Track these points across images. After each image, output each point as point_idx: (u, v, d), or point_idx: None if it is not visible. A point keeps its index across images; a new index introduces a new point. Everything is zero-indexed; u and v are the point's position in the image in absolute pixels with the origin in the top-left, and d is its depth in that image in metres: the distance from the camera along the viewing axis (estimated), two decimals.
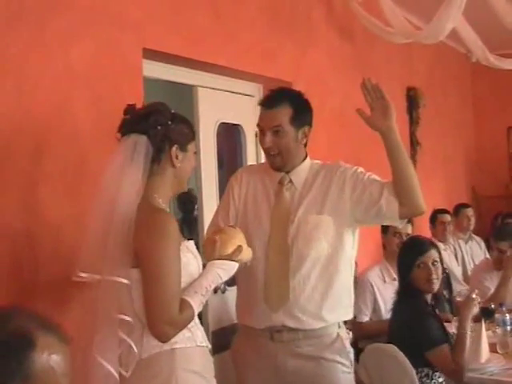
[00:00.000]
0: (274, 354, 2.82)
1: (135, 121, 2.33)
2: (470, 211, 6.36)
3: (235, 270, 2.42)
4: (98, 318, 2.23)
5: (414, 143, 6.43)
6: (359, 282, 4.62)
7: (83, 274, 2.25)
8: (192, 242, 2.40)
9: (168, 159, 2.33)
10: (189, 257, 2.30)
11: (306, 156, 2.93)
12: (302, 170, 2.89)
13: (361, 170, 2.86)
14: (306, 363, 2.80)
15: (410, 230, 4.72)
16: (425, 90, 6.56)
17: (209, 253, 2.45)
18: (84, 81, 2.92)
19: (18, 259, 2.58)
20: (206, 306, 3.87)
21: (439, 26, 4.96)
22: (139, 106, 2.42)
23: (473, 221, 6.34)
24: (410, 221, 4.80)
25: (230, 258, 2.41)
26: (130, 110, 2.38)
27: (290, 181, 2.87)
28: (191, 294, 2.24)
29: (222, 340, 3.89)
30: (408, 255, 3.63)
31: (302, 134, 2.85)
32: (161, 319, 2.18)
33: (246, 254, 2.53)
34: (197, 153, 2.47)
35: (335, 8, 5.12)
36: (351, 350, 2.90)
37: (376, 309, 4.52)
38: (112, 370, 2.19)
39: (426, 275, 3.51)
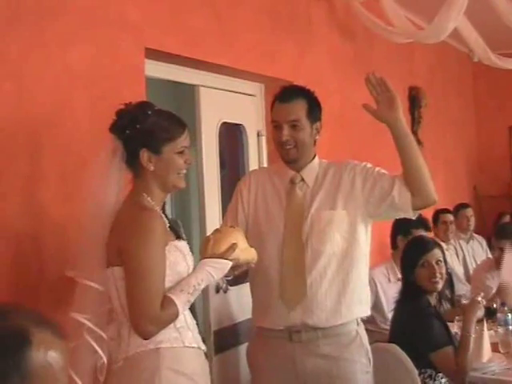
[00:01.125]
0: (292, 354, 2.81)
1: (112, 124, 2.35)
2: (469, 211, 6.36)
3: (228, 268, 2.39)
4: (68, 323, 2.25)
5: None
6: None
7: (69, 274, 2.28)
8: (184, 242, 2.39)
9: (140, 162, 2.32)
10: (177, 256, 2.30)
11: (315, 154, 2.95)
12: (313, 168, 2.90)
13: (370, 165, 2.89)
14: (325, 363, 2.78)
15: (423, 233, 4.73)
16: (426, 90, 6.55)
17: (202, 251, 2.44)
18: (84, 81, 2.92)
19: (20, 259, 2.58)
20: (207, 305, 3.88)
21: (441, 26, 4.95)
22: None
23: (472, 221, 6.34)
24: (429, 229, 4.82)
25: (222, 256, 2.39)
26: (124, 106, 2.39)
27: (302, 179, 2.88)
28: (176, 293, 2.23)
29: (223, 340, 3.90)
30: (412, 254, 3.64)
31: (315, 129, 2.88)
32: (142, 317, 2.19)
33: (247, 253, 2.52)
34: (184, 151, 2.37)
35: (336, 7, 5.11)
36: (369, 349, 2.89)
37: (379, 308, 4.52)
38: (78, 381, 2.20)
39: (429, 274, 3.51)
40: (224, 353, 3.91)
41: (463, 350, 3.24)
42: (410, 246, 3.83)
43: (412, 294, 3.51)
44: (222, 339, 3.89)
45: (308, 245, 2.80)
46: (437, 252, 3.59)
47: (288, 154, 2.86)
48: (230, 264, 2.39)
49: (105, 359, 2.25)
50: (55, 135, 2.77)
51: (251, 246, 2.59)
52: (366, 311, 2.94)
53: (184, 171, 2.41)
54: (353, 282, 2.82)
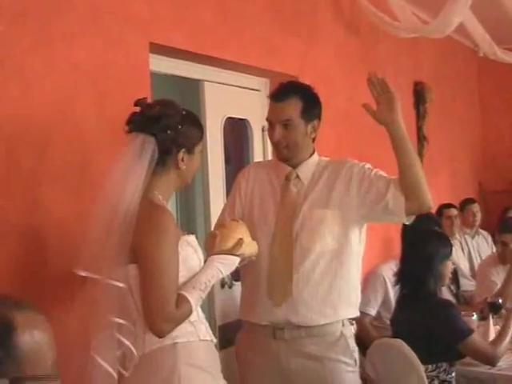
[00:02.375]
0: (277, 353, 2.81)
1: (145, 122, 2.32)
2: (475, 207, 6.35)
3: (236, 263, 2.41)
4: (95, 320, 2.25)
5: (421, 138, 6.41)
6: (372, 275, 4.62)
7: (83, 273, 2.25)
8: (193, 237, 2.40)
9: (173, 161, 2.34)
10: (189, 251, 2.30)
11: (314, 151, 2.92)
12: (309, 165, 2.88)
13: (368, 166, 2.85)
14: (309, 363, 2.78)
15: None
16: (432, 85, 6.53)
17: (209, 247, 2.45)
18: (89, 78, 2.91)
19: (26, 256, 2.58)
20: (212, 300, 3.88)
21: (446, 20, 4.94)
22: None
23: (479, 216, 6.33)
24: (438, 225, 4.81)
25: (230, 252, 2.40)
26: (140, 102, 2.38)
27: (297, 176, 2.87)
28: (189, 290, 2.24)
29: (228, 335, 3.90)
30: (444, 247, 3.58)
31: (311, 127, 2.84)
32: (157, 316, 2.18)
33: (251, 247, 2.53)
34: (202, 150, 2.48)
35: (342, 2, 5.10)
36: (355, 349, 2.88)
37: (386, 303, 4.52)
38: (110, 370, 2.20)
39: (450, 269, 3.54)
40: (229, 348, 3.91)
41: (501, 337, 3.40)
42: (440, 239, 3.71)
43: (428, 288, 3.43)
44: (227, 334, 3.88)
45: (297, 242, 2.78)
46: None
47: (281, 153, 2.86)
48: (238, 259, 2.41)
49: (134, 350, 2.23)
50: (61, 131, 2.76)
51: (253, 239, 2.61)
52: (354, 313, 2.91)
53: None
54: (341, 283, 2.80)
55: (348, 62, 5.15)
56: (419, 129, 6.42)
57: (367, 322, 4.52)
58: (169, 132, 2.30)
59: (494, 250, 6.00)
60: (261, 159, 4.39)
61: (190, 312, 2.24)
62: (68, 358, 2.25)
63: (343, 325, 2.84)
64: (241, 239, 2.43)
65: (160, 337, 2.21)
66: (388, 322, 4.32)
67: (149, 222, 2.23)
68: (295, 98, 2.80)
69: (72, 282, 2.39)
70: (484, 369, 3.38)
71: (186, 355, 2.25)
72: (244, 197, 2.93)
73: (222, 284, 3.93)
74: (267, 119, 2.88)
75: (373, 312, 4.55)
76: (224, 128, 4.07)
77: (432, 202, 2.75)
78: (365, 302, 4.46)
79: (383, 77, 2.74)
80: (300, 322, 2.77)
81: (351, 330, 2.90)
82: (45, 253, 2.66)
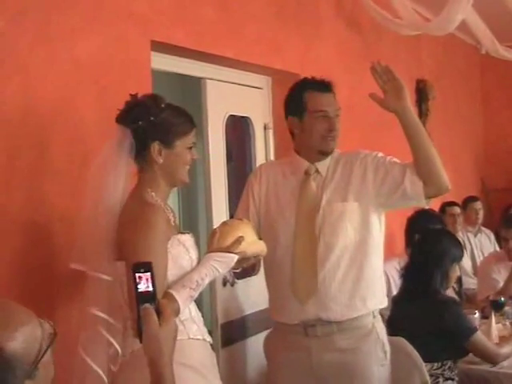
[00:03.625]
0: (308, 349, 2.79)
1: (122, 112, 2.33)
2: (478, 204, 6.33)
3: (234, 261, 2.37)
4: (82, 314, 2.26)
5: None
6: None
7: (74, 265, 2.27)
8: (187, 236, 2.38)
9: (150, 155, 2.31)
10: (180, 250, 2.29)
11: None
12: (327, 159, 2.88)
13: (381, 154, 2.86)
14: (342, 356, 2.77)
15: None
16: (434, 83, 6.52)
17: (209, 245, 2.43)
18: (91, 74, 2.91)
19: (27, 251, 2.58)
20: (214, 299, 3.88)
21: (449, 18, 4.93)
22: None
23: (481, 214, 6.32)
24: (441, 221, 4.81)
25: (228, 249, 2.36)
26: (131, 97, 2.37)
27: (317, 170, 2.86)
28: (178, 288, 2.22)
29: (230, 333, 3.90)
30: (458, 249, 3.58)
31: None
32: None
33: (255, 246, 2.50)
34: (193, 147, 2.40)
35: (343, 0, 5.09)
36: (386, 342, 2.87)
37: (388, 299, 4.51)
38: (96, 368, 2.20)
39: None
40: (231, 346, 3.91)
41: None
42: (451, 236, 3.72)
43: (434, 285, 3.43)
44: (229, 332, 3.89)
45: (320, 238, 2.77)
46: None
47: (328, 145, 2.84)
48: (235, 257, 2.37)
49: (119, 349, 2.24)
50: (62, 128, 2.76)
51: (260, 239, 2.58)
52: (382, 303, 2.92)
53: (188, 167, 2.41)
54: (366, 275, 2.80)
55: (350, 59, 5.14)
56: None
57: None
58: (140, 122, 2.28)
59: (497, 247, 6.00)
60: (263, 157, 4.39)
61: (177, 311, 2.21)
62: (70, 358, 2.27)
63: (374, 316, 2.85)
64: (241, 237, 2.40)
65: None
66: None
67: (137, 220, 2.22)
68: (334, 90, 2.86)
69: (76, 277, 2.40)
70: (486, 367, 3.38)
71: (175, 353, 2.24)
72: (258, 199, 2.91)
73: (224, 282, 3.93)
74: (319, 110, 2.80)
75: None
76: (226, 126, 4.07)
77: (449, 182, 2.75)
78: None
79: (387, 64, 2.74)
80: (331, 318, 2.77)
81: (382, 323, 2.91)
82: (47, 248, 2.67)
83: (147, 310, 1.53)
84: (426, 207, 2.87)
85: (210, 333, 3.86)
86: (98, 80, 2.95)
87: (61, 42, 2.78)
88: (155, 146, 2.30)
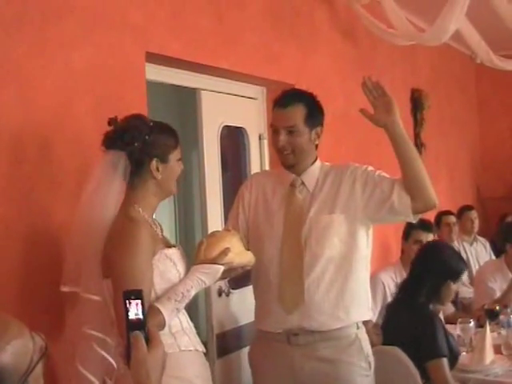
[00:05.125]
0: (291, 357, 2.81)
1: (113, 137, 2.36)
2: (473, 213, 6.34)
3: (220, 272, 2.40)
4: (73, 332, 2.30)
5: (418, 145, 6.41)
6: (371, 281, 4.62)
7: (65, 288, 2.30)
8: (173, 249, 2.41)
9: (148, 172, 2.36)
10: (167, 264, 2.32)
11: (317, 158, 2.94)
12: (313, 172, 2.89)
13: (371, 168, 2.87)
14: (324, 366, 2.78)
15: (430, 238, 4.72)
16: (429, 92, 6.55)
17: (195, 256, 2.45)
18: (86, 85, 2.92)
19: (23, 262, 2.58)
20: (210, 309, 3.88)
21: (442, 28, 4.95)
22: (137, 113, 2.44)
23: (477, 223, 6.33)
24: (431, 230, 4.83)
25: (214, 261, 2.39)
26: (111, 122, 2.40)
27: (302, 183, 2.88)
28: (163, 301, 2.25)
29: (226, 343, 3.90)
30: (459, 265, 3.52)
31: (315, 134, 2.86)
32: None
33: (242, 257, 2.54)
34: (180, 159, 2.47)
35: (338, 10, 5.11)
36: (370, 353, 2.88)
37: (384, 309, 4.51)
38: (93, 380, 2.20)
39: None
40: (226, 356, 3.91)
41: None
42: (455, 254, 3.65)
43: (418, 298, 3.41)
44: (224, 342, 3.89)
45: (306, 249, 2.79)
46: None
47: (286, 159, 2.86)
48: (221, 268, 2.39)
49: (114, 364, 2.25)
50: (57, 138, 2.77)
51: (248, 249, 2.61)
52: (367, 314, 2.93)
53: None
54: (351, 286, 2.81)
55: (345, 69, 5.17)
56: (417, 135, 6.44)
57: (369, 327, 4.50)
58: (136, 144, 2.33)
59: (493, 256, 6.01)
60: (258, 167, 4.41)
61: (162, 324, 2.22)
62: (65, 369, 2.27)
63: (358, 327, 2.86)
64: (227, 248, 2.42)
65: None
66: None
67: (121, 236, 2.25)
68: (300, 104, 2.82)
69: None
70: (481, 376, 3.38)
71: (167, 367, 2.24)
72: (247, 208, 2.93)
73: (220, 292, 3.93)
74: (271, 125, 2.89)
75: (374, 318, 4.54)
76: (221, 136, 4.08)
77: (437, 199, 2.76)
78: None
79: (378, 80, 2.75)
80: (314, 328, 2.78)
81: (365, 333, 2.91)
82: (46, 257, 2.67)
83: (137, 336, 1.55)
84: (414, 222, 2.88)
85: (206, 343, 3.89)
86: (93, 90, 2.96)
87: (57, 52, 2.79)
88: (153, 164, 2.35)
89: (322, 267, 2.78)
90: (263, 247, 2.81)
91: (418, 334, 3.27)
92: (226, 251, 2.41)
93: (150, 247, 2.26)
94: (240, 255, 2.51)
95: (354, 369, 2.80)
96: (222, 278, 2.52)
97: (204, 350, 2.43)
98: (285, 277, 2.80)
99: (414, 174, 2.71)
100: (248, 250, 2.62)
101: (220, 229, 3.50)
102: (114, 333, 2.28)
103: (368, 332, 4.41)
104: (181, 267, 2.36)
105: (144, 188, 2.38)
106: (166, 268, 2.30)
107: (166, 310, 2.22)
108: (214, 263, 2.38)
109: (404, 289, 3.56)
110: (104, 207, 2.32)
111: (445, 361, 3.22)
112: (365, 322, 4.37)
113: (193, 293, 2.31)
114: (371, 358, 2.87)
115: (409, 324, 3.35)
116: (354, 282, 2.82)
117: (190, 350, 2.34)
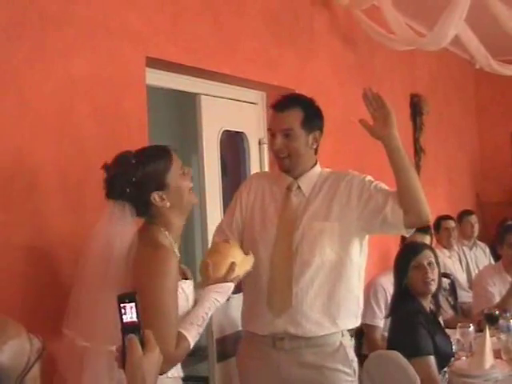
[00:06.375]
0: (277, 362, 2.82)
1: (107, 188, 2.29)
2: (473, 218, 6.35)
3: (232, 289, 2.43)
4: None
5: (417, 150, 6.43)
6: (372, 287, 4.62)
7: (69, 333, 2.21)
8: (189, 282, 2.38)
9: (155, 205, 2.29)
10: (181, 298, 2.29)
11: (316, 163, 2.94)
12: (311, 177, 2.90)
13: (369, 178, 2.87)
14: (309, 372, 2.79)
15: (427, 241, 4.73)
16: (428, 97, 6.56)
17: (203, 278, 2.46)
18: (86, 91, 2.92)
19: (26, 271, 2.58)
20: None
21: (442, 33, 4.96)
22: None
23: (476, 228, 6.34)
24: (428, 232, 4.83)
25: (224, 279, 2.41)
26: (104, 168, 2.33)
27: (298, 187, 2.89)
28: (187, 327, 2.25)
29: (225, 348, 3.90)
30: (403, 257, 3.68)
31: (312, 138, 2.86)
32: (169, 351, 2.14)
33: (245, 265, 2.56)
34: (184, 170, 2.37)
35: (337, 16, 5.13)
36: (355, 359, 2.89)
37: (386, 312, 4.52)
38: None
39: (421, 276, 3.54)
40: (226, 361, 3.91)
41: None
42: (401, 251, 3.90)
43: (404, 299, 3.52)
44: (224, 347, 3.88)
45: (297, 254, 2.80)
46: (428, 253, 3.61)
47: (282, 163, 2.87)
48: (232, 285, 2.42)
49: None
50: (57, 145, 2.77)
51: (246, 254, 2.63)
52: (354, 323, 2.92)
53: (191, 185, 2.41)
54: (340, 295, 2.82)
55: (344, 74, 5.18)
56: (416, 141, 6.45)
57: (378, 334, 4.50)
58: (128, 190, 2.25)
59: (492, 261, 6.01)
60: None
61: (189, 349, 2.24)
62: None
63: (342, 335, 2.86)
64: (233, 263, 2.44)
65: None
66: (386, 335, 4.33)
67: (151, 263, 2.20)
68: (296, 108, 2.84)
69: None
70: (480, 380, 3.37)
71: None
72: (245, 208, 2.94)
73: None
74: (268, 129, 2.91)
75: (381, 324, 4.53)
76: (221, 141, 4.09)
77: (430, 214, 2.75)
78: (371, 314, 4.46)
79: (378, 91, 2.76)
80: (299, 333, 2.79)
81: (351, 340, 2.91)
82: (45, 267, 2.67)
83: (131, 339, 1.55)
84: (407, 235, 2.89)
85: (206, 348, 3.89)
86: (93, 96, 2.96)
87: (56, 58, 2.79)
88: (155, 197, 2.29)
89: (311, 274, 2.79)
90: (257, 249, 2.80)
91: (400, 335, 3.35)
92: (233, 267, 2.43)
93: (177, 275, 2.24)
94: (243, 263, 2.53)
95: (339, 375, 2.81)
96: None
97: (183, 375, 2.41)
98: (274, 281, 2.81)
99: (408, 187, 2.70)
100: (247, 254, 2.64)
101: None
102: None
103: (376, 340, 4.42)
104: (191, 300, 2.36)
105: (162, 215, 2.32)
106: (181, 302, 2.28)
107: (191, 336, 2.23)
108: (225, 281, 2.40)
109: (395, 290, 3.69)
110: (117, 254, 2.23)
111: (429, 358, 3.25)
112: (373, 329, 4.41)
113: (210, 314, 2.33)
114: (355, 364, 2.88)
115: (394, 325, 3.48)
116: (343, 291, 2.82)
117: (175, 377, 2.34)
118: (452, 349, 3.51)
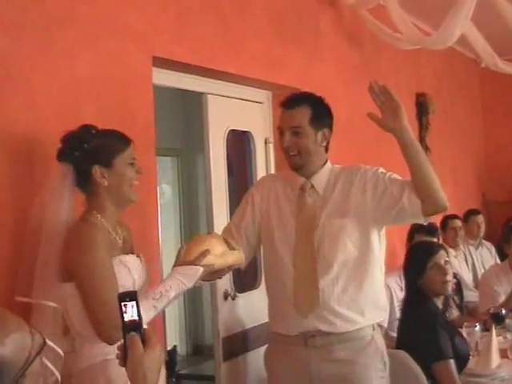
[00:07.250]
0: (307, 360, 2.82)
1: (59, 150, 2.40)
2: (479, 218, 6.35)
3: (199, 273, 2.42)
4: None
5: (424, 149, 6.40)
6: None
7: (19, 298, 2.30)
8: (132, 256, 2.44)
9: (94, 180, 2.38)
10: (121, 270, 2.35)
11: (327, 161, 2.94)
12: (323, 175, 2.90)
13: (381, 170, 2.88)
14: (340, 368, 2.79)
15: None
16: (434, 96, 6.55)
17: (176, 260, 2.50)
18: (92, 91, 2.93)
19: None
20: (216, 312, 3.89)
21: (448, 32, 4.96)
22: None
23: (483, 227, 6.33)
24: (435, 235, 4.83)
25: (192, 262, 2.43)
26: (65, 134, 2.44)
27: (312, 186, 2.89)
28: (140, 299, 2.26)
29: (232, 347, 3.91)
30: (420, 257, 3.54)
31: (321, 135, 2.86)
32: (105, 324, 2.22)
33: (226, 257, 2.57)
34: (134, 163, 2.44)
35: (343, 15, 5.13)
36: (385, 354, 2.89)
37: (391, 313, 4.52)
38: None
39: (440, 276, 3.44)
40: (232, 359, 3.92)
41: None
42: (415, 250, 3.77)
43: (419, 300, 3.45)
44: (230, 346, 3.89)
45: (320, 253, 2.80)
46: (443, 253, 3.56)
47: (292, 161, 2.87)
48: (200, 269, 2.42)
49: (58, 375, 2.25)
50: None
51: (233, 249, 2.65)
52: (382, 316, 2.96)
53: (136, 182, 2.46)
54: (366, 289, 2.83)
55: (350, 74, 5.18)
56: (422, 140, 6.43)
57: (382, 333, 4.50)
58: (76, 153, 2.36)
59: (498, 260, 6.01)
60: (264, 171, 4.41)
61: None
62: None
63: (374, 329, 2.87)
64: (206, 250, 2.46)
65: (111, 344, 2.22)
66: (390, 334, 4.34)
67: (78, 238, 2.29)
68: (304, 105, 2.85)
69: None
70: (487, 380, 3.37)
71: (117, 371, 2.25)
72: (258, 212, 2.94)
73: (226, 296, 3.94)
74: (278, 127, 2.91)
75: (385, 323, 4.53)
76: (227, 140, 4.09)
77: (447, 201, 2.76)
78: None
79: (385, 84, 2.76)
80: (330, 330, 2.79)
81: (380, 334, 2.93)
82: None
83: (133, 337, 1.57)
84: (425, 224, 2.90)
85: (212, 347, 3.89)
86: (99, 96, 2.97)
87: (62, 58, 2.80)
88: (96, 170, 2.36)
89: (335, 271, 2.79)
90: (277, 251, 2.83)
91: (420, 338, 3.27)
92: (205, 253, 2.45)
93: (106, 249, 2.31)
94: (223, 256, 2.54)
95: (371, 370, 2.81)
96: (209, 279, 2.58)
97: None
98: (299, 281, 2.81)
99: (424, 178, 2.71)
100: (234, 249, 2.66)
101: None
102: (71, 337, 2.32)
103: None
104: (137, 275, 2.40)
105: (97, 196, 2.40)
106: (121, 274, 2.33)
107: (142, 307, 2.24)
108: (193, 264, 2.42)
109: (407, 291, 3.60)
110: (55, 215, 2.35)
111: (451, 362, 3.21)
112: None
113: (172, 294, 2.35)
114: (386, 359, 2.88)
115: (412, 327, 3.38)
116: (368, 285, 2.83)
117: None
118: (469, 350, 3.47)
